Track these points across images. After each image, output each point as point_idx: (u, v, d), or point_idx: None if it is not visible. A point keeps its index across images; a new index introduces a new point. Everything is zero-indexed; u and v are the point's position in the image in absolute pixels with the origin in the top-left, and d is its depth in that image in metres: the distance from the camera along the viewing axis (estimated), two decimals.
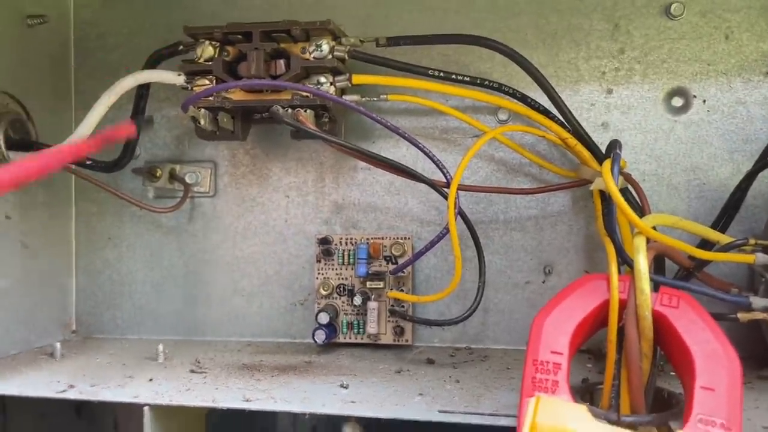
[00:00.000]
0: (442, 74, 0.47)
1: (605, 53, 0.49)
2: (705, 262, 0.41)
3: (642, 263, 0.34)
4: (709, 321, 0.33)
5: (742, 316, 0.39)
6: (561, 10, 0.50)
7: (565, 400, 0.32)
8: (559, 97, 0.45)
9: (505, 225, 0.51)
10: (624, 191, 0.45)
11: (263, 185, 0.54)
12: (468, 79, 0.47)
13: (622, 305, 0.35)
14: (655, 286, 0.38)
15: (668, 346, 0.34)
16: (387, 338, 0.50)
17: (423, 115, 0.51)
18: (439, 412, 0.36)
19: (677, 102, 0.48)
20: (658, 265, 0.42)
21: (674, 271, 0.43)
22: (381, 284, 0.49)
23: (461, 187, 0.45)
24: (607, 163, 0.37)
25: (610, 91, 0.49)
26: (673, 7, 0.48)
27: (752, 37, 0.47)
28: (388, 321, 0.50)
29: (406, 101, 0.49)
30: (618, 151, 0.39)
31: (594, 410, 0.31)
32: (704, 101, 0.48)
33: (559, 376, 0.33)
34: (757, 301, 0.38)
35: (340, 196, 0.53)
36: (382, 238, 0.51)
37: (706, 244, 0.42)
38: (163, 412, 0.38)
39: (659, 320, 0.34)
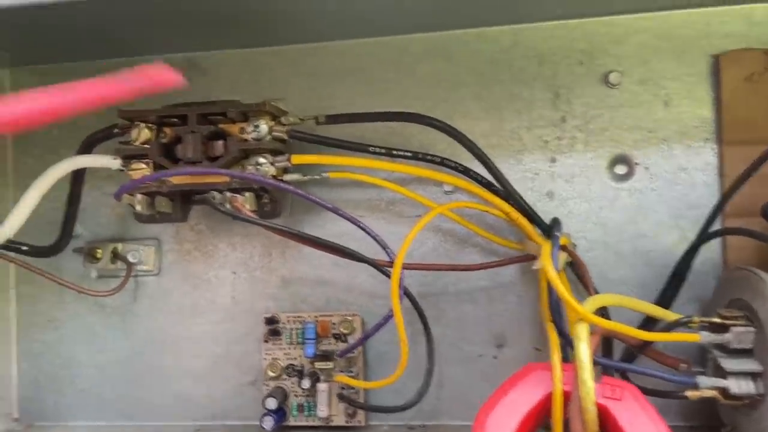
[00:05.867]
0: (383, 150, 0.46)
1: (547, 122, 0.49)
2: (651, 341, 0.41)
3: (584, 353, 0.33)
4: (651, 413, 0.33)
5: (691, 394, 0.38)
6: (502, 81, 0.50)
7: None
8: (500, 172, 0.45)
9: (456, 297, 0.50)
10: (570, 264, 0.45)
11: (209, 262, 0.53)
12: (410, 154, 0.46)
13: (566, 396, 0.34)
14: (603, 369, 0.38)
15: None
16: (339, 420, 0.48)
17: (369, 186, 0.50)
18: None
19: (620, 169, 0.48)
20: (606, 345, 0.42)
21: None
22: (330, 365, 0.48)
23: (405, 266, 0.44)
24: (547, 249, 0.37)
25: (553, 160, 0.49)
26: (611, 75, 0.48)
27: (691, 104, 0.48)
28: (340, 402, 0.48)
29: (349, 178, 0.48)
30: (557, 233, 0.38)
31: None
32: (647, 168, 0.48)
33: None
34: (703, 381, 0.38)
35: (288, 271, 0.52)
36: (331, 315, 0.49)
37: (651, 319, 0.42)
38: None
39: (603, 413, 0.33)
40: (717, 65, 0.47)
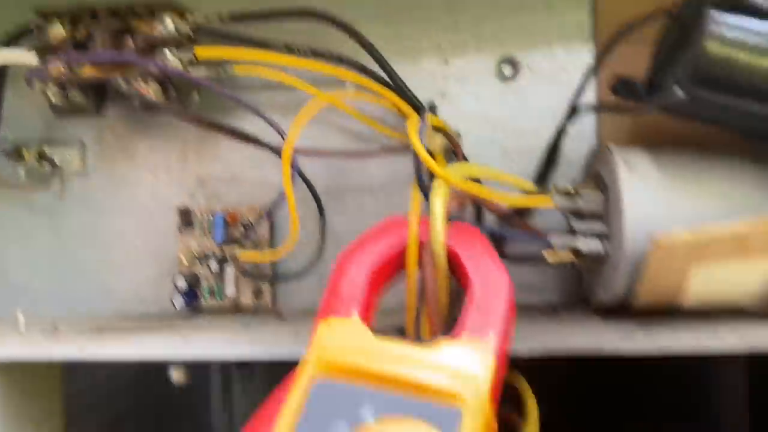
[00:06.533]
0: (285, 48, 0.50)
1: (441, 27, 0.53)
2: (521, 211, 0.45)
3: (437, 205, 0.37)
4: (491, 253, 0.37)
5: (549, 254, 0.42)
6: None
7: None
8: (391, 68, 0.49)
9: (358, 190, 0.54)
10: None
11: (130, 163, 0.56)
12: (310, 51, 0.50)
13: (423, 246, 0.38)
14: None
15: (460, 279, 0.38)
16: (246, 299, 0.52)
17: (281, 90, 0.54)
18: None
19: (507, 70, 0.52)
20: (477, 214, 0.46)
21: None
22: (237, 249, 0.52)
23: (300, 151, 0.48)
24: (414, 119, 0.41)
25: (446, 62, 0.53)
26: None
27: (569, 6, 0.51)
28: (245, 278, 0.52)
29: (252, 75, 0.51)
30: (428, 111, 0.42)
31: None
32: (530, 69, 0.52)
33: (354, 305, 0.35)
34: (555, 240, 0.42)
35: (204, 170, 0.56)
36: (241, 207, 0.53)
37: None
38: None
39: (452, 258, 0.37)
40: None
